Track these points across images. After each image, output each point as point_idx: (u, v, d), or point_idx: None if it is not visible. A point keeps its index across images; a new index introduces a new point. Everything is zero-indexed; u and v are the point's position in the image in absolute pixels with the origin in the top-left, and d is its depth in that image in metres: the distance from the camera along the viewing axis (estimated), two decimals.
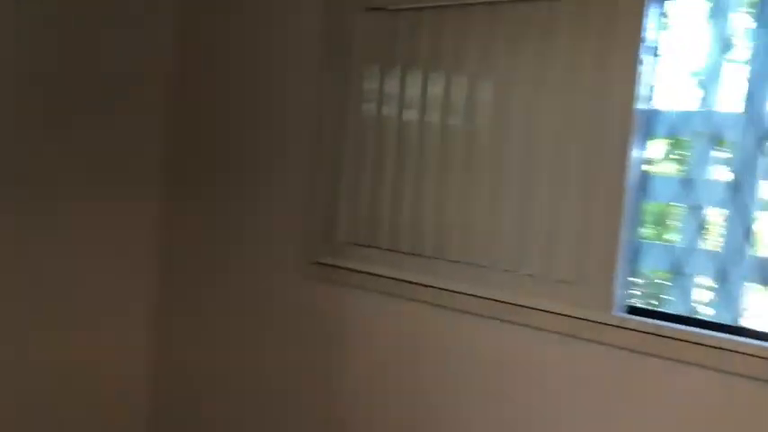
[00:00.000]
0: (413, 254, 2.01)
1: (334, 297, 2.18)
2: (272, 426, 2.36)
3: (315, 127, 2.21)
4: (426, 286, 1.96)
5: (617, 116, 1.64)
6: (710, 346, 1.50)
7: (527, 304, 1.76)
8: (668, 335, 1.55)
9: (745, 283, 1.63)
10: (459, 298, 1.89)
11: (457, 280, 1.90)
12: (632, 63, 1.62)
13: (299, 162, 2.26)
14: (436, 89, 1.97)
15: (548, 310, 1.72)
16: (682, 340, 1.53)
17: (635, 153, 1.62)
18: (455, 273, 1.91)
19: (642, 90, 1.63)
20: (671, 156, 1.79)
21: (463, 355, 1.90)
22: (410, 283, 1.99)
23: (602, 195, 1.66)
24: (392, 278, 2.03)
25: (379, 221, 2.10)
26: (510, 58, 1.82)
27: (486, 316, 1.84)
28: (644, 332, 1.59)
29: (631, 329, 1.61)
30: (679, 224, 1.74)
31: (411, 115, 2.03)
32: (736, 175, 1.66)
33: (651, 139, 1.72)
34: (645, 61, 1.63)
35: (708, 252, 1.69)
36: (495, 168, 1.85)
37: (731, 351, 1.48)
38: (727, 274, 1.66)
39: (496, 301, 1.82)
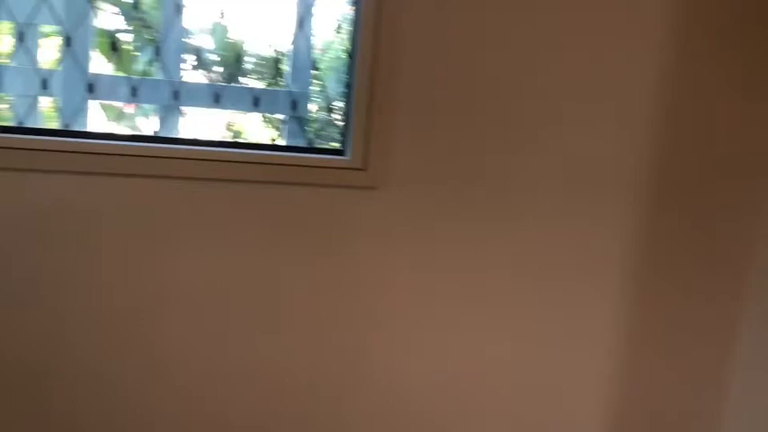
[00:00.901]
0: None
1: None
2: None
3: None
4: None
5: None
6: (60, 151, 1.59)
7: None
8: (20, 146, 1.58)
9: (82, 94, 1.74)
10: None
11: None
12: None
13: None
14: None
15: None
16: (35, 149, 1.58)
17: None
18: None
19: None
20: None
21: None
22: None
23: None
24: None
25: None
26: None
27: None
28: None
29: None
30: (14, 43, 1.70)
31: None
32: None
33: None
34: None
35: (46, 70, 1.73)
36: None
37: (75, 153, 1.59)
38: (65, 87, 1.74)
39: None
